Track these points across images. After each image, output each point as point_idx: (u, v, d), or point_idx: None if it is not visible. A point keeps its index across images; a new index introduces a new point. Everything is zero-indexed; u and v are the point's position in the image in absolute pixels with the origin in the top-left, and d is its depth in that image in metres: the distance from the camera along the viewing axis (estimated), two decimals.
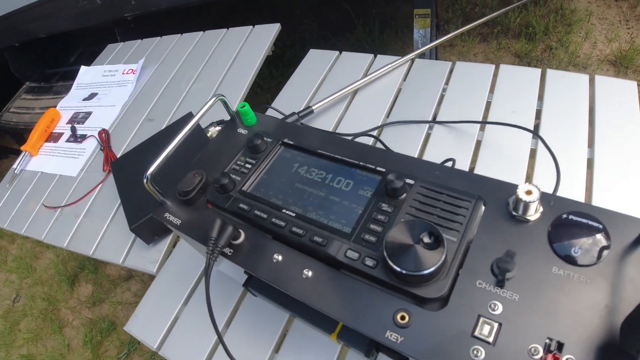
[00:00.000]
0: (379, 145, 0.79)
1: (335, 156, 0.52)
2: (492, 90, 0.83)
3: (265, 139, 0.56)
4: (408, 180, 0.47)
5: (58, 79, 1.79)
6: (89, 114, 1.24)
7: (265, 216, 0.48)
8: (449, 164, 0.70)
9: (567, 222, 0.42)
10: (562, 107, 0.78)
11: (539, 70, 0.84)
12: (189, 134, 0.85)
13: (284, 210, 0.48)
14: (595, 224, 0.41)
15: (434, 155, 0.75)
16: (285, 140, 0.56)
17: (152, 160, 0.54)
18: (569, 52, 1.88)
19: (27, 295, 1.88)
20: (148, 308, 0.74)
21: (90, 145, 1.12)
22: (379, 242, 0.43)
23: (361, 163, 0.50)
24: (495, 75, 0.85)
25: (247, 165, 0.55)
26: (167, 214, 0.55)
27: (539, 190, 0.41)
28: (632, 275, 0.37)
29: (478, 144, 0.76)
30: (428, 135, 0.79)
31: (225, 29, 1.21)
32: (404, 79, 0.90)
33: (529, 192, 0.41)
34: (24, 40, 1.74)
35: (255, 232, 0.50)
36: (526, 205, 0.42)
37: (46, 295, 1.84)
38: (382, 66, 0.90)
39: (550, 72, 0.84)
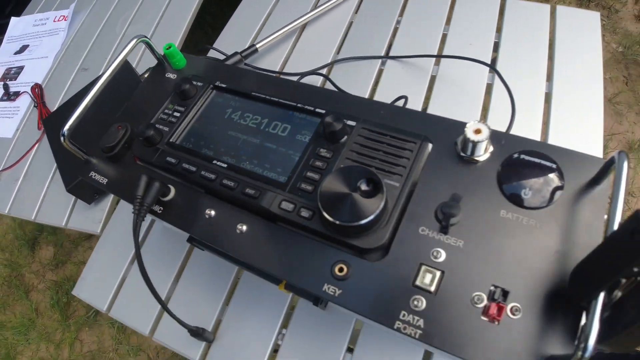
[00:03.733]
0: (328, 84, 0.74)
1: (271, 98, 0.47)
2: (448, 22, 0.78)
3: (194, 82, 0.51)
4: (350, 122, 0.42)
5: None
6: (21, 68, 1.12)
7: (194, 169, 0.44)
8: (401, 102, 0.66)
9: (518, 162, 0.39)
10: (521, 39, 0.74)
11: (497, 0, 0.79)
12: (121, 81, 0.78)
13: (214, 162, 0.44)
14: (548, 164, 0.38)
15: (387, 92, 0.71)
16: (217, 84, 0.51)
17: (68, 116, 0.48)
18: None
19: None
20: (95, 270, 0.70)
21: (24, 102, 1.02)
22: (315, 191, 0.39)
23: (299, 105, 0.45)
24: (452, 5, 0.80)
25: (176, 114, 0.50)
26: (92, 173, 0.50)
27: (489, 128, 0.38)
28: (586, 218, 0.35)
29: (433, 79, 0.72)
30: (381, 72, 0.74)
31: None
32: (356, 11, 0.83)
33: (477, 131, 0.38)
34: None
35: (187, 187, 0.45)
36: (475, 145, 0.38)
37: (7, 262, 1.78)
38: None
39: (510, 2, 0.78)
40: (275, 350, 0.58)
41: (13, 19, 1.26)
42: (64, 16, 1.13)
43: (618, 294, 0.29)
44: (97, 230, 0.74)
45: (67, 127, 0.48)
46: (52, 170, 0.85)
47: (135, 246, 0.42)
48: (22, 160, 0.91)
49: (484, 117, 0.67)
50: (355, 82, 0.73)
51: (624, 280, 0.28)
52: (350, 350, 0.55)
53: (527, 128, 0.64)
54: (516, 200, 0.37)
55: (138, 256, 0.42)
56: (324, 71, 0.76)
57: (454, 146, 0.40)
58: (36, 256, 1.77)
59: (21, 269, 1.76)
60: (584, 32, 0.73)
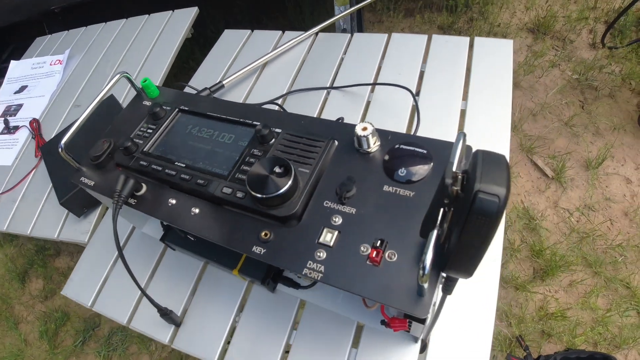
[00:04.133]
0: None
1: (221, 116, 0.61)
2: (383, 57, 0.94)
3: (164, 107, 0.65)
4: (277, 130, 0.56)
5: None
6: (20, 105, 1.27)
7: (160, 169, 0.57)
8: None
9: (399, 151, 0.52)
10: (443, 66, 0.89)
11: (425, 37, 0.95)
12: (106, 109, 0.92)
13: (176, 163, 0.57)
14: (420, 150, 0.52)
15: (330, 116, 0.85)
16: (182, 107, 0.65)
17: (65, 132, 0.62)
18: (489, 22, 2.03)
19: None
20: (81, 272, 0.82)
21: (23, 134, 1.16)
22: None
23: (240, 119, 0.59)
24: (387, 43, 0.96)
25: (149, 131, 0.63)
26: (82, 178, 0.63)
27: (372, 126, 0.52)
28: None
29: (368, 104, 0.86)
30: (326, 100, 0.89)
31: (147, 15, 1.26)
32: (308, 51, 1.00)
33: (364, 129, 0.52)
34: None
35: (156, 184, 0.58)
36: (365, 139, 0.52)
37: None
38: (288, 40, 0.99)
39: (435, 37, 0.95)
40: (232, 330, 0.69)
41: (12, 62, 1.42)
42: (59, 60, 1.29)
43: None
44: (85, 240, 0.85)
45: (64, 140, 0.61)
46: (47, 192, 0.98)
47: (114, 230, 0.54)
48: (20, 184, 1.04)
49: (409, 130, 0.82)
50: (304, 109, 0.88)
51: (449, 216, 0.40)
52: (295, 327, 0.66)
53: (444, 138, 0.78)
54: (395, 178, 0.50)
55: (116, 238, 0.54)
56: (280, 101, 0.90)
57: (352, 143, 0.54)
58: (26, 288, 1.85)
59: (11, 301, 1.83)
60: (497, 57, 0.88)
